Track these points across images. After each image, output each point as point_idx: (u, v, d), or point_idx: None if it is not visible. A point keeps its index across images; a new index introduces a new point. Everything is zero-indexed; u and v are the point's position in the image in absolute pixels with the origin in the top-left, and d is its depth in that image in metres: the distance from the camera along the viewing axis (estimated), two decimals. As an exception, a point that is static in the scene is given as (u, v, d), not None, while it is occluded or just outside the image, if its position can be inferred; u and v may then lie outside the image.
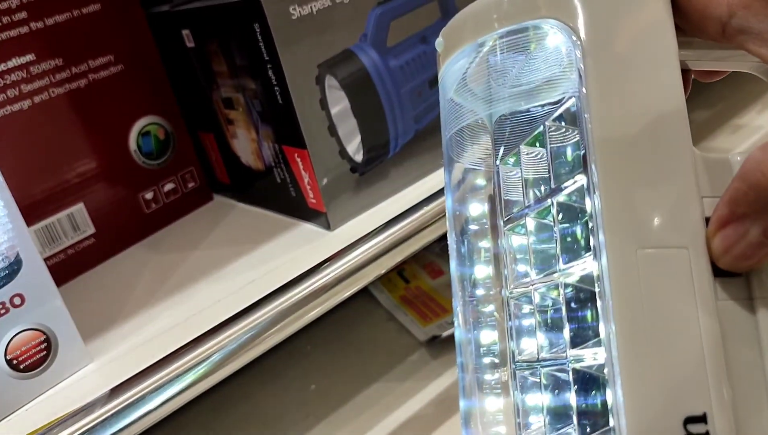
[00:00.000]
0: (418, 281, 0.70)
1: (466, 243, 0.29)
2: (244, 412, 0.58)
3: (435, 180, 0.52)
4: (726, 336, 0.23)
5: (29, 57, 0.49)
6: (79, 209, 0.53)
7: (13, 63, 0.48)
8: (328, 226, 0.49)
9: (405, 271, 0.72)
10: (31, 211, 0.50)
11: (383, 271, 0.46)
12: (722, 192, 0.23)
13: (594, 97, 0.23)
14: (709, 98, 0.93)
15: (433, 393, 0.57)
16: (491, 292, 0.28)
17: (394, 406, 0.56)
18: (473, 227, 0.29)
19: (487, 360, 0.28)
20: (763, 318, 0.23)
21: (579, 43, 0.24)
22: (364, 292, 0.66)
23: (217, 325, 0.41)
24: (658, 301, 0.23)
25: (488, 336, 0.28)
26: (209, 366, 0.39)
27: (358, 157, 0.50)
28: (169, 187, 0.58)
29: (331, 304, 0.44)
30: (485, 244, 0.29)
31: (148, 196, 0.57)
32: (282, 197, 0.53)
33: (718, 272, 0.23)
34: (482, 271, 0.29)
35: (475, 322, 0.28)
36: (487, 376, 0.28)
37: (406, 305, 0.67)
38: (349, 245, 0.45)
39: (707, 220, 0.23)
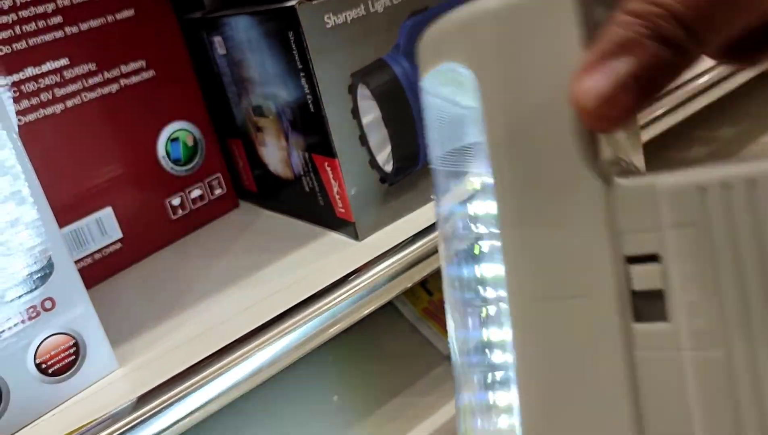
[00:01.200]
0: (442, 294, 0.69)
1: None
2: (265, 422, 0.58)
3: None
4: (643, 392, 0.21)
5: (63, 61, 0.49)
6: (107, 214, 0.53)
7: (47, 67, 0.49)
8: (356, 236, 0.49)
9: (428, 284, 0.71)
10: (61, 214, 0.50)
11: (410, 284, 0.45)
12: (647, 224, 0.21)
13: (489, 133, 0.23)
14: (735, 115, 0.92)
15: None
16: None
17: (417, 419, 0.55)
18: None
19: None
20: (692, 373, 0.20)
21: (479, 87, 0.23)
22: (388, 303, 0.66)
23: (245, 335, 0.41)
24: (559, 354, 0.22)
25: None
26: (236, 377, 0.39)
27: (388, 168, 0.49)
28: (196, 193, 0.58)
29: (357, 316, 0.43)
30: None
31: (175, 202, 0.57)
32: (310, 206, 0.52)
33: (639, 317, 0.21)
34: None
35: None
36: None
37: (430, 318, 0.67)
38: (377, 257, 0.45)
39: (629, 258, 0.21)
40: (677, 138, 0.73)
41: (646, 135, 0.59)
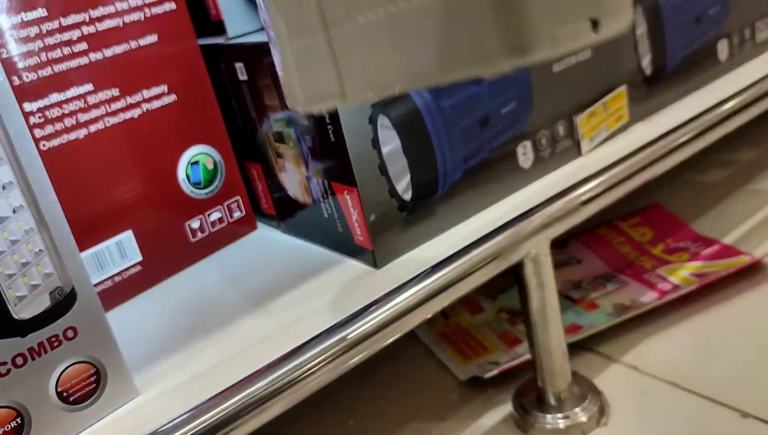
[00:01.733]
0: (458, 317, 0.69)
1: None
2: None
3: (482, 219, 0.52)
4: None
5: (87, 87, 0.50)
6: (127, 237, 0.54)
7: (72, 93, 0.49)
8: (374, 264, 0.49)
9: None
10: (82, 238, 0.51)
11: (429, 315, 0.46)
12: None
13: None
14: (757, 138, 0.91)
15: None
16: None
17: (432, 446, 0.55)
18: None
19: None
20: None
21: None
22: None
23: (266, 366, 0.41)
24: None
25: None
26: (256, 408, 0.39)
27: (407, 196, 0.50)
28: (215, 216, 0.58)
29: (376, 348, 0.43)
30: None
31: (195, 224, 0.57)
32: (328, 232, 0.53)
33: None
34: None
35: None
36: None
37: (445, 341, 0.67)
38: (396, 288, 0.45)
39: None
40: (697, 160, 0.73)
41: (670, 162, 0.59)
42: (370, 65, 0.29)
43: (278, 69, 0.33)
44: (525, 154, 0.55)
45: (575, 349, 0.63)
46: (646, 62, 0.63)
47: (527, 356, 0.57)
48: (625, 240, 0.78)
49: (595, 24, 0.27)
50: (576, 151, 0.59)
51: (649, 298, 0.67)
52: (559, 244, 0.80)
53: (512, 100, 0.54)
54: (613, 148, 0.59)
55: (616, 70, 0.61)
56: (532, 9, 0.25)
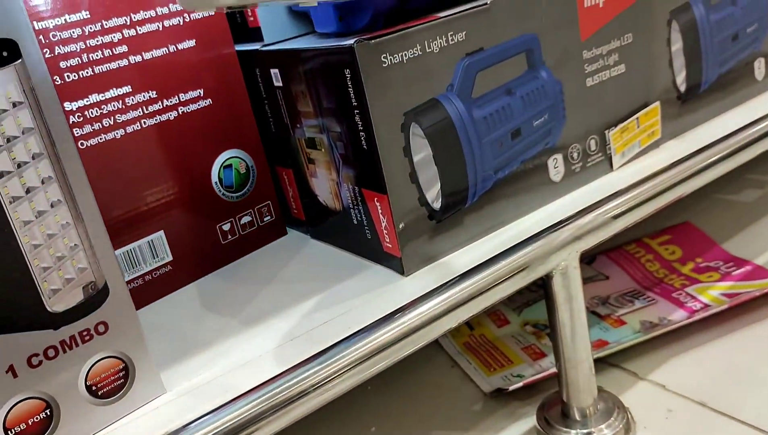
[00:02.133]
0: (483, 329, 0.69)
1: None
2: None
3: (511, 231, 0.52)
4: None
5: (126, 89, 0.51)
6: (159, 237, 0.54)
7: (111, 94, 0.50)
8: (401, 271, 0.49)
9: (469, 317, 0.71)
10: (116, 236, 0.52)
11: (455, 325, 0.45)
12: None
13: None
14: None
15: (495, 447, 0.55)
16: None
17: (454, 457, 0.55)
18: None
19: None
20: None
21: None
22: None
23: (290, 368, 0.41)
24: None
25: None
26: (279, 410, 0.40)
27: (436, 205, 0.50)
28: (245, 219, 0.59)
29: (401, 355, 0.44)
30: None
31: (226, 227, 0.58)
32: (357, 238, 0.53)
33: None
34: None
35: None
36: None
37: (470, 352, 0.66)
38: (423, 296, 0.45)
39: None
40: (729, 179, 0.72)
41: (702, 181, 0.58)
42: None
43: None
44: (556, 167, 0.55)
45: (602, 364, 0.62)
46: (681, 79, 0.63)
47: (553, 370, 0.57)
48: (654, 257, 0.77)
49: None
50: (607, 165, 0.59)
51: (679, 316, 0.66)
52: (586, 260, 0.79)
53: (545, 112, 0.54)
54: (644, 164, 0.59)
55: (650, 85, 0.61)
56: None
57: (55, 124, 0.36)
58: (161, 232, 0.54)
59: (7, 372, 0.36)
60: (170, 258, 0.55)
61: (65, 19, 0.48)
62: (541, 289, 0.54)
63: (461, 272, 0.47)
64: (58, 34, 0.48)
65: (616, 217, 0.53)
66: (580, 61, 0.55)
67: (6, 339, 0.36)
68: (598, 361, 0.57)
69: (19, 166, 0.35)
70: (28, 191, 0.36)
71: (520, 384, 0.59)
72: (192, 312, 0.52)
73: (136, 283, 0.54)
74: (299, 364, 0.41)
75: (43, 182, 0.36)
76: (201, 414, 0.39)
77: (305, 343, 0.44)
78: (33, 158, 0.36)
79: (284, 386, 0.40)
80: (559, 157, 0.55)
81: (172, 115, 0.54)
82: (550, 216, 0.53)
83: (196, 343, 0.47)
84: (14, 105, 0.35)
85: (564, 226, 0.50)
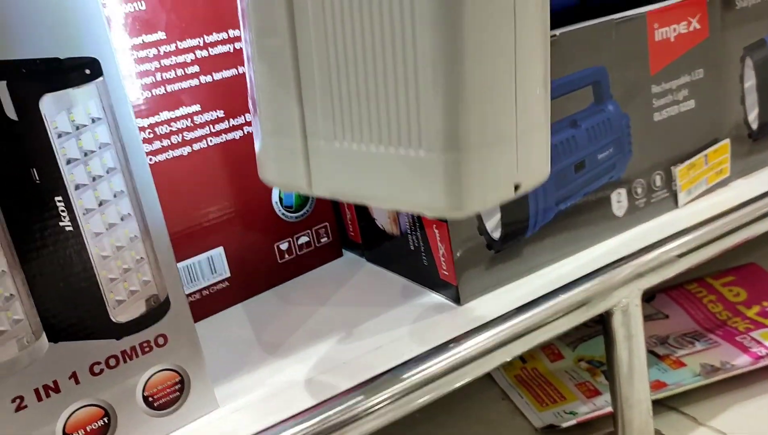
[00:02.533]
0: (536, 363, 0.68)
1: None
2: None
3: (571, 264, 0.51)
4: None
5: (195, 107, 0.52)
6: (218, 253, 0.55)
7: (180, 112, 0.52)
8: (457, 300, 0.49)
9: (522, 349, 0.70)
10: (178, 250, 0.53)
11: (509, 359, 0.45)
12: None
13: None
14: None
15: (544, 485, 0.54)
16: None
17: (502, 492, 0.54)
18: None
19: None
20: None
21: None
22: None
23: (341, 393, 0.41)
24: None
25: None
26: (329, 434, 0.39)
27: (496, 234, 0.49)
28: (303, 239, 0.59)
29: (452, 386, 0.43)
30: None
31: (283, 246, 0.58)
32: (413, 264, 0.53)
33: None
34: None
35: None
36: None
37: (522, 386, 0.65)
38: (478, 326, 0.45)
39: None
40: None
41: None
42: (334, 179, 0.36)
43: (255, 138, 0.41)
44: (619, 202, 0.54)
45: (659, 407, 0.60)
46: (753, 116, 0.61)
47: (608, 409, 0.55)
48: (716, 298, 0.75)
49: (516, 187, 0.33)
50: (672, 202, 0.57)
51: (742, 361, 0.63)
52: (645, 298, 0.77)
53: (610, 146, 0.53)
54: (711, 203, 0.57)
55: (721, 122, 0.59)
56: (471, 179, 0.31)
57: (129, 140, 0.38)
58: (221, 248, 0.55)
59: (69, 378, 0.37)
60: (228, 274, 0.56)
61: (143, 39, 0.49)
62: (598, 324, 0.53)
63: (518, 305, 0.46)
64: (134, 53, 0.49)
65: (680, 255, 0.51)
66: (649, 96, 0.54)
67: (71, 346, 0.37)
68: (655, 403, 0.55)
69: (93, 179, 0.36)
70: (100, 204, 0.37)
71: (574, 422, 0.58)
72: (246, 329, 0.53)
73: (194, 297, 0.54)
74: (350, 389, 0.41)
75: (115, 196, 0.37)
76: (251, 433, 0.39)
77: (357, 367, 0.44)
78: (107, 172, 0.37)
79: (334, 411, 0.40)
80: (623, 191, 0.54)
81: (238, 134, 0.55)
82: (612, 251, 0.51)
83: (250, 360, 0.48)
84: (93, 120, 0.36)
85: (627, 262, 0.49)
